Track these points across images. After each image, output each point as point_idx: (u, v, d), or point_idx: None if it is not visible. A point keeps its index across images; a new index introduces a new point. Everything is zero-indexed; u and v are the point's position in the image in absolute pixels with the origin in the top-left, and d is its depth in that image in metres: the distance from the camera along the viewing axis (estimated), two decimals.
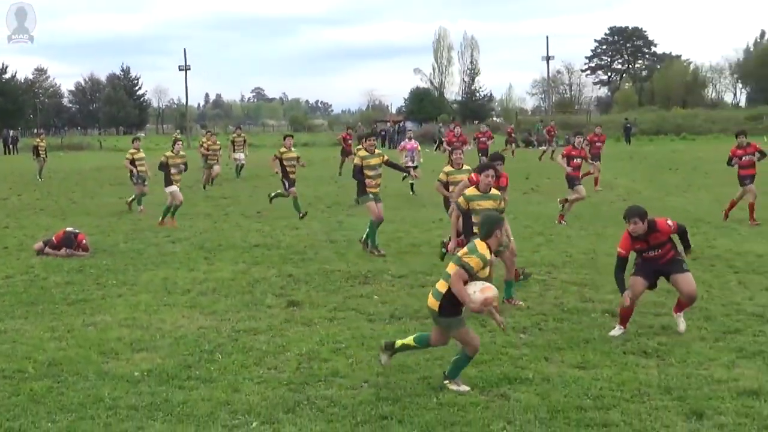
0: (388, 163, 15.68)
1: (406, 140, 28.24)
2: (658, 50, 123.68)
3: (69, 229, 15.87)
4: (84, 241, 15.68)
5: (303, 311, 10.87)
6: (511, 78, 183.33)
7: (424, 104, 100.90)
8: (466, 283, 7.52)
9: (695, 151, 50.75)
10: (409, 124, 77.07)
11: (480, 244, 7.67)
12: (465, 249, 7.77)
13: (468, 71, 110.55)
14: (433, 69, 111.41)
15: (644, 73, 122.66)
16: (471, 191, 11.00)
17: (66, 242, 15.34)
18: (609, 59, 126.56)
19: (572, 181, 19.28)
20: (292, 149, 21.15)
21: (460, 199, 11.04)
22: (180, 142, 21.34)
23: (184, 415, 7.12)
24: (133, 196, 22.96)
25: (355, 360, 8.66)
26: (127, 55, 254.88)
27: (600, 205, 19.49)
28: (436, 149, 52.85)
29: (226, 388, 7.80)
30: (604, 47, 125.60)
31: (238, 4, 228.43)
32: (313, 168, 35.57)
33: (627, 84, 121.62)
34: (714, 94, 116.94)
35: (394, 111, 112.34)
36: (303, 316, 10.61)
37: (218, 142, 32.71)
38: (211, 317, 10.64)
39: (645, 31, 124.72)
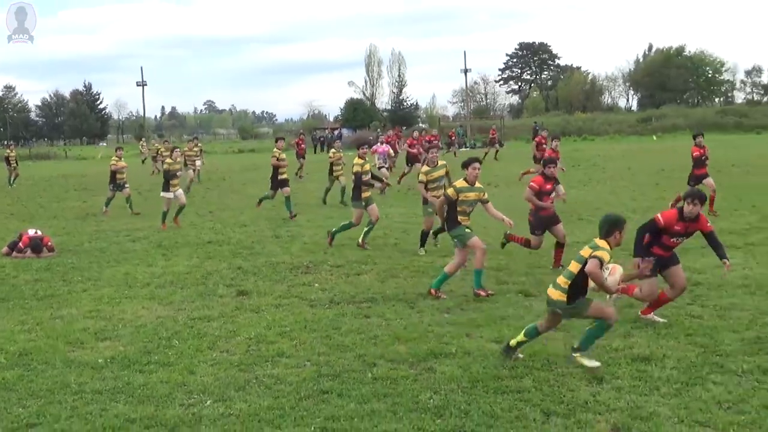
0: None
1: (378, 144, 27.83)
2: (562, 62, 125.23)
3: (31, 232, 15.23)
4: (49, 243, 15.24)
5: (251, 299, 10.77)
6: (434, 88, 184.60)
7: (357, 113, 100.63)
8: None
9: (594, 150, 51.69)
10: (344, 131, 76.96)
11: (601, 243, 7.38)
12: (590, 249, 7.37)
13: (396, 83, 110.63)
14: (365, 82, 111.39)
15: (550, 82, 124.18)
16: (460, 184, 10.86)
17: (33, 247, 14.84)
18: (519, 71, 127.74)
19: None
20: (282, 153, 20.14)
21: (450, 191, 10.89)
22: (177, 150, 20.56)
23: (145, 397, 7.00)
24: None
25: (298, 342, 8.60)
26: (89, 72, 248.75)
27: (512, 198, 19.65)
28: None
29: (182, 370, 7.69)
30: (515, 60, 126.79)
31: (190, 26, 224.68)
32: (260, 171, 35.34)
33: (535, 92, 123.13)
34: (610, 100, 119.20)
35: (331, 119, 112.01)
36: (251, 303, 10.51)
37: (195, 148, 32.11)
38: (169, 307, 10.48)
39: (549, 46, 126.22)
